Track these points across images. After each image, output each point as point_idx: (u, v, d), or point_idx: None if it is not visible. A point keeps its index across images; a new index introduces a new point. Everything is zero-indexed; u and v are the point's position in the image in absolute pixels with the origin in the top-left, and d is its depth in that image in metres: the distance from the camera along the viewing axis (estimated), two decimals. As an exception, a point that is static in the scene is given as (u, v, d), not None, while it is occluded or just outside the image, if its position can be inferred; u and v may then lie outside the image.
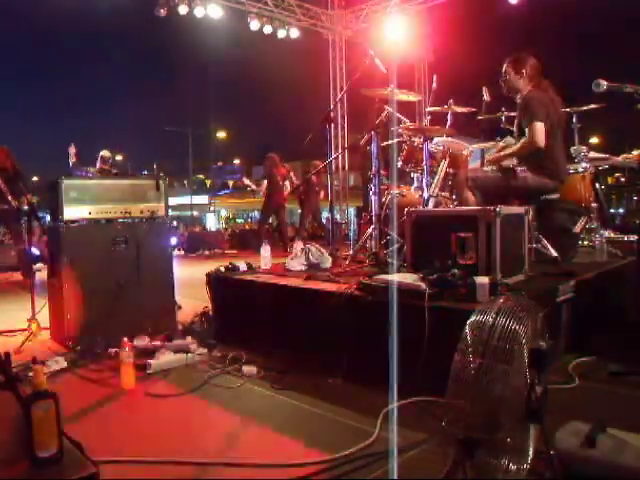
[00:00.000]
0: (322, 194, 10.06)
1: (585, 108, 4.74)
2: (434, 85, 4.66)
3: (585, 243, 4.57)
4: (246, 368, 2.85)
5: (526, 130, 3.37)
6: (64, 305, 3.40)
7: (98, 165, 7.71)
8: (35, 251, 6.70)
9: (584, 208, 4.39)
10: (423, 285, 2.54)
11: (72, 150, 7.10)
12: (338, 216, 12.84)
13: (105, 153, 7.82)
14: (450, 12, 12.24)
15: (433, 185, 4.01)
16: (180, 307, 4.08)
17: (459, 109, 4.41)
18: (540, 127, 3.29)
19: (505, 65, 3.58)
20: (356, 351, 2.71)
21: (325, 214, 12.32)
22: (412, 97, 4.50)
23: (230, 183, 37.80)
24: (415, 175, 4.52)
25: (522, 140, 3.41)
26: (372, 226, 3.96)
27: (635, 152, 5.12)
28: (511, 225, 2.94)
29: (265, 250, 3.94)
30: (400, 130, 4.35)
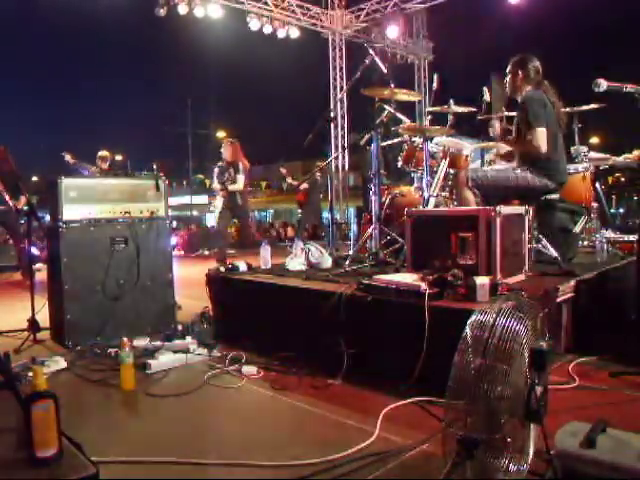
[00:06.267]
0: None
1: (585, 108, 4.74)
2: (434, 85, 4.65)
3: (585, 243, 4.58)
4: (246, 368, 2.85)
5: (527, 134, 3.38)
6: (64, 305, 3.40)
7: (97, 165, 7.72)
8: (35, 251, 6.71)
9: (584, 208, 4.39)
10: (423, 285, 2.54)
11: (68, 157, 7.29)
12: (338, 216, 12.86)
13: (103, 153, 7.82)
14: (450, 12, 12.25)
15: (433, 185, 4.01)
16: (180, 307, 4.07)
17: (459, 109, 4.41)
18: (542, 132, 3.30)
19: (509, 65, 3.59)
20: (356, 351, 2.71)
21: (325, 214, 12.30)
22: (412, 97, 4.49)
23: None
24: (415, 175, 4.52)
25: (526, 141, 3.42)
26: (372, 226, 3.96)
27: (635, 152, 5.11)
28: (511, 225, 2.94)
29: (265, 250, 3.94)
30: (400, 130, 4.35)
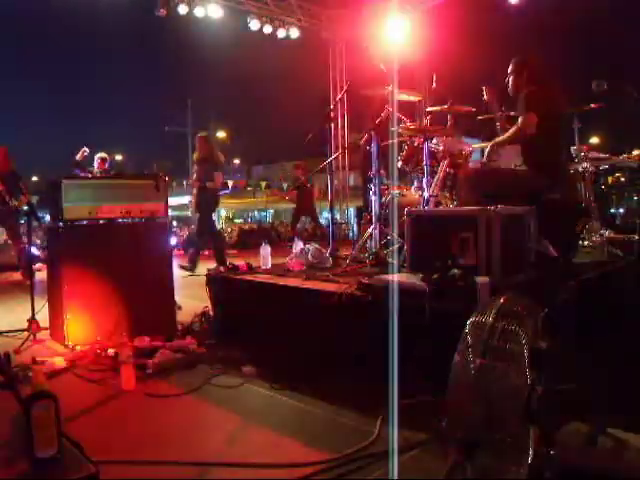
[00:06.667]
0: (316, 191, 10.11)
1: (585, 108, 4.74)
2: (434, 85, 4.65)
3: (585, 243, 4.58)
4: (246, 368, 2.84)
5: (519, 119, 3.40)
6: (64, 305, 3.39)
7: (96, 166, 7.73)
8: (35, 251, 6.71)
9: (584, 208, 4.39)
10: (423, 285, 2.54)
11: (84, 151, 7.16)
12: (338, 216, 12.85)
13: (102, 154, 7.83)
14: (450, 12, 12.25)
15: (433, 185, 4.01)
16: (180, 307, 4.07)
17: (459, 109, 4.41)
18: (531, 117, 3.32)
19: (510, 65, 3.60)
20: (356, 351, 2.71)
21: (325, 214, 12.28)
22: (412, 97, 4.49)
23: (230, 183, 37.70)
24: (415, 175, 4.52)
25: (513, 127, 3.44)
26: (372, 226, 3.96)
27: (635, 152, 5.12)
28: (511, 225, 2.94)
29: (265, 250, 3.94)
30: (400, 130, 4.35)
